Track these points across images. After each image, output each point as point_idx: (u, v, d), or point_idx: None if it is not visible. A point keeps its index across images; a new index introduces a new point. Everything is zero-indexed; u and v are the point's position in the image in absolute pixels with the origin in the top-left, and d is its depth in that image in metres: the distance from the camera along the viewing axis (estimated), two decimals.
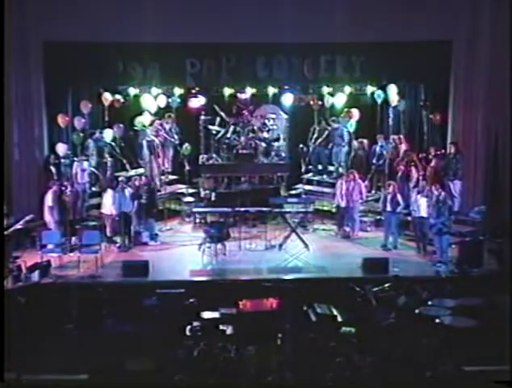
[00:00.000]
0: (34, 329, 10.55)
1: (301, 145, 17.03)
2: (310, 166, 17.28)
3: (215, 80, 16.53)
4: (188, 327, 10.36)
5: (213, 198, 16.29)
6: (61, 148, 15.68)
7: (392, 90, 16.59)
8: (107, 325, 10.95)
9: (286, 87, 17.03)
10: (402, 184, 15.24)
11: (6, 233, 12.77)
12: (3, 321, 9.35)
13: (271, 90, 17.12)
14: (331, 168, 17.21)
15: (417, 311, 10.85)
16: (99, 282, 12.90)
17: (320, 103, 17.18)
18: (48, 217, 14.36)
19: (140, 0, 15.18)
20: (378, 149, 16.41)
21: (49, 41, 15.24)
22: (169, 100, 17.26)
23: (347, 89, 16.87)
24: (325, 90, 16.99)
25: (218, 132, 17.23)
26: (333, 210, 15.82)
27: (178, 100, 17.38)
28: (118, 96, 16.73)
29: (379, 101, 16.80)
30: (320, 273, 13.29)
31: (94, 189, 16.10)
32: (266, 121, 17.38)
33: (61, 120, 15.69)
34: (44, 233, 13.97)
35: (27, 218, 13.29)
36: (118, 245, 14.55)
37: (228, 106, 17.21)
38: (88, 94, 16.35)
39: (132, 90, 16.86)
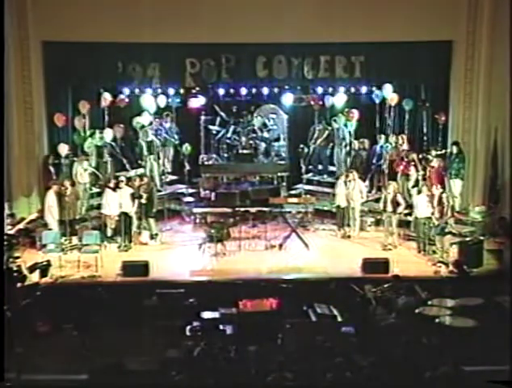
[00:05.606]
0: (34, 329, 10.56)
1: (301, 145, 17.03)
2: (310, 166, 17.27)
3: (215, 80, 16.52)
4: (188, 327, 10.37)
5: (213, 198, 16.28)
6: (61, 148, 15.67)
7: (392, 90, 16.56)
8: (107, 325, 10.95)
9: (286, 87, 17.01)
10: (402, 184, 15.29)
11: (10, 232, 12.82)
12: (3, 321, 9.35)
13: (271, 90, 17.09)
14: (331, 168, 17.22)
15: (417, 311, 10.84)
16: (99, 282, 12.91)
17: (320, 103, 17.16)
18: (48, 217, 14.36)
19: (140, 0, 15.20)
20: (378, 149, 16.42)
21: (49, 41, 15.25)
22: (169, 100, 17.24)
23: (347, 89, 16.85)
24: (325, 90, 16.96)
25: (218, 132, 17.26)
26: (333, 210, 15.82)
27: (178, 100, 17.35)
28: (118, 96, 16.70)
29: (378, 101, 16.78)
30: (320, 273, 13.30)
31: (94, 189, 16.09)
32: (266, 121, 17.41)
33: (58, 119, 15.66)
34: (44, 233, 13.99)
35: (32, 217, 13.27)
36: (118, 245, 14.57)
37: (228, 106, 17.21)
38: (88, 94, 16.32)
39: (132, 90, 16.84)
